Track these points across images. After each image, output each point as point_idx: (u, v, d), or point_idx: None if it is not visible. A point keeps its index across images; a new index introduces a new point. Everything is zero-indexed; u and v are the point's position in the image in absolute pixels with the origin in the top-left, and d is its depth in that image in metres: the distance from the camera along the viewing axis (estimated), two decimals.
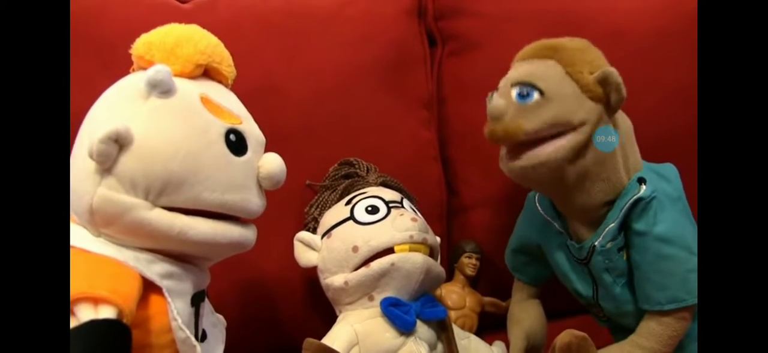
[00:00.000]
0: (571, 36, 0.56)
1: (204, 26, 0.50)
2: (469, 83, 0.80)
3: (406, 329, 0.57)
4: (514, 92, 0.53)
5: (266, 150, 0.50)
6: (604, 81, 0.52)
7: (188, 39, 0.47)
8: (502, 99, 0.53)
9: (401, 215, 0.61)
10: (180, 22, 0.51)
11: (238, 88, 0.52)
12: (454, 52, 0.83)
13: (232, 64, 0.51)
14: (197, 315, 0.48)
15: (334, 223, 0.62)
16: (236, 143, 0.47)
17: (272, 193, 0.71)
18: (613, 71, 0.52)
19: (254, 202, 0.48)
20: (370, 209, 0.62)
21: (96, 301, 0.38)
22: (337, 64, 0.76)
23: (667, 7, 0.77)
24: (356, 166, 0.71)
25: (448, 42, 0.83)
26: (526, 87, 0.52)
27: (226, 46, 0.51)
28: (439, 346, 0.60)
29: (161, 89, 0.44)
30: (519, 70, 0.55)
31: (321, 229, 0.64)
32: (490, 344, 0.67)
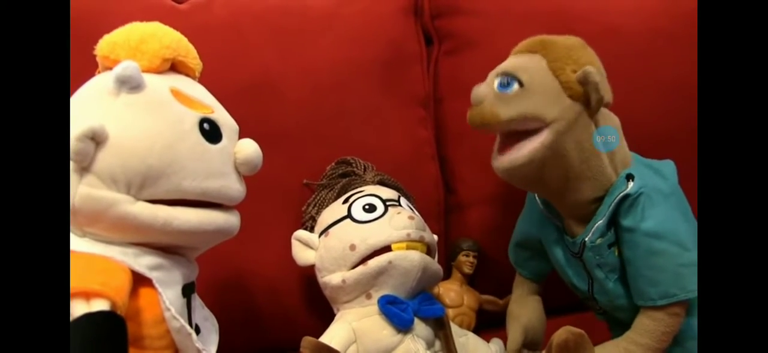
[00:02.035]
0: (566, 34, 0.56)
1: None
2: (466, 82, 0.79)
3: (403, 327, 0.57)
4: (496, 81, 0.54)
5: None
6: (583, 80, 0.52)
7: (152, 35, 0.48)
8: (485, 87, 0.54)
9: (398, 213, 0.61)
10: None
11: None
12: (451, 51, 0.83)
13: (197, 56, 0.51)
14: (189, 307, 0.48)
15: (331, 221, 0.62)
16: (210, 132, 0.47)
17: (270, 192, 0.71)
18: (593, 71, 0.52)
19: (234, 188, 0.49)
20: (367, 207, 0.62)
21: (88, 296, 0.38)
22: (333, 63, 0.76)
23: (662, 5, 0.77)
24: (353, 165, 0.71)
25: (444, 41, 0.83)
26: (508, 77, 0.53)
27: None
28: (437, 344, 0.60)
29: (131, 85, 0.44)
30: (507, 61, 0.56)
31: (318, 228, 0.64)
32: (488, 341, 0.67)
